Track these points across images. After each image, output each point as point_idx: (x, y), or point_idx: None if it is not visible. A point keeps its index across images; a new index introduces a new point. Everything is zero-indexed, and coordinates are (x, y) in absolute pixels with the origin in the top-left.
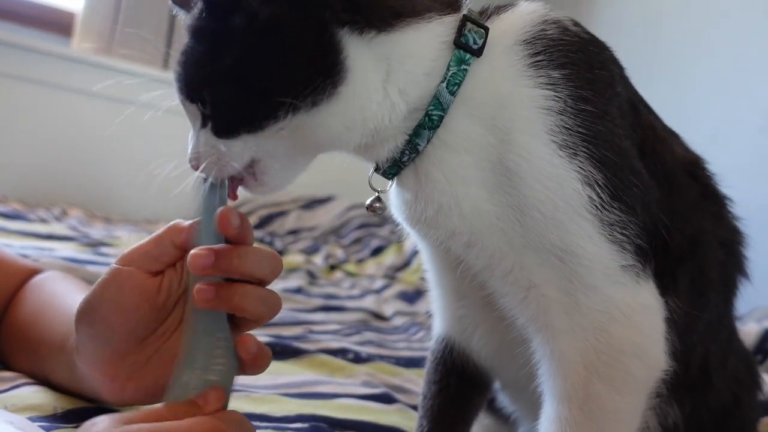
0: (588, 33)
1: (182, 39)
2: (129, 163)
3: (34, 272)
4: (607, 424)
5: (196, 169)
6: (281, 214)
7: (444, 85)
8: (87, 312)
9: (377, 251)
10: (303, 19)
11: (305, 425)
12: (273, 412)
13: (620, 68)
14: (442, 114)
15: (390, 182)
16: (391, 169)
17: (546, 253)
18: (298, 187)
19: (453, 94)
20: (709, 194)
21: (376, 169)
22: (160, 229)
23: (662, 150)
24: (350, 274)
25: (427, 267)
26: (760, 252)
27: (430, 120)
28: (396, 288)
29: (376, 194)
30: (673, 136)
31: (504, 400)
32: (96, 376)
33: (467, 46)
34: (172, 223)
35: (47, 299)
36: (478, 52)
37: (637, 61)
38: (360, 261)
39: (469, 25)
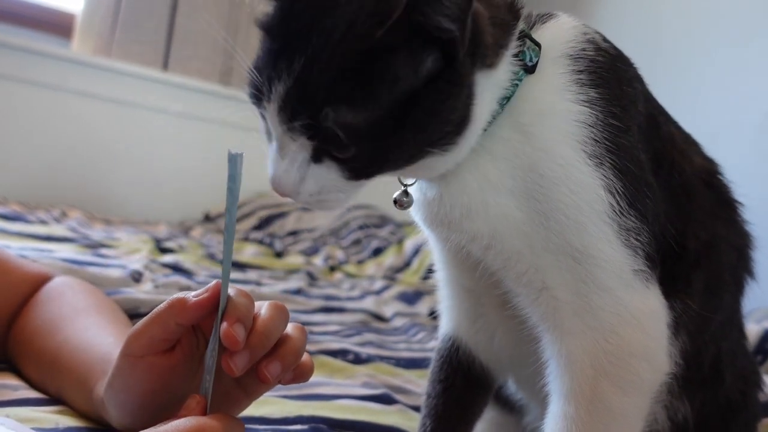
0: (615, 48)
1: (184, 39)
2: (129, 164)
3: (44, 278)
4: (613, 424)
5: (293, 197)
6: (281, 215)
7: (496, 97)
8: (107, 391)
9: (377, 252)
10: (468, 72)
11: (305, 426)
12: (273, 414)
13: (642, 84)
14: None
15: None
16: None
17: (564, 256)
18: None
19: (502, 106)
20: (723, 201)
21: None
22: (162, 306)
23: (681, 160)
24: (350, 275)
25: (439, 267)
26: (760, 252)
27: None
28: (396, 289)
29: (404, 188)
30: (692, 145)
31: (511, 386)
32: (125, 420)
33: (523, 63)
34: (174, 298)
35: (66, 314)
36: (531, 70)
37: (637, 61)
38: (360, 262)
39: (528, 42)
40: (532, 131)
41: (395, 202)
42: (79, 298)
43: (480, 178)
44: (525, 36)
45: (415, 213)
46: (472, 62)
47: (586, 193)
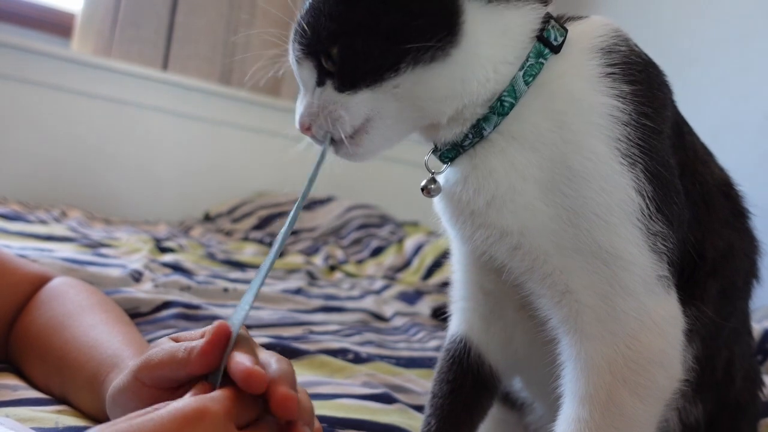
0: (646, 55)
1: (184, 38)
2: (128, 164)
3: (45, 278)
4: (626, 430)
5: (306, 130)
6: (281, 214)
7: (521, 73)
8: (109, 402)
9: (377, 252)
10: None
11: None
12: None
13: (670, 91)
14: (514, 102)
15: (444, 166)
16: (449, 152)
17: (591, 256)
18: (298, 188)
19: (527, 84)
20: (738, 211)
21: (434, 151)
22: (177, 354)
23: (703, 171)
24: (350, 275)
25: (457, 268)
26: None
27: (501, 105)
28: (396, 289)
29: (431, 175)
30: (710, 156)
31: (515, 384)
32: None
33: (548, 41)
34: (185, 350)
35: (70, 311)
36: (556, 49)
37: None
38: (360, 262)
39: (552, 21)
40: (564, 120)
41: (423, 189)
42: (82, 297)
43: (507, 163)
44: (550, 18)
45: (438, 206)
46: None
47: (618, 192)
